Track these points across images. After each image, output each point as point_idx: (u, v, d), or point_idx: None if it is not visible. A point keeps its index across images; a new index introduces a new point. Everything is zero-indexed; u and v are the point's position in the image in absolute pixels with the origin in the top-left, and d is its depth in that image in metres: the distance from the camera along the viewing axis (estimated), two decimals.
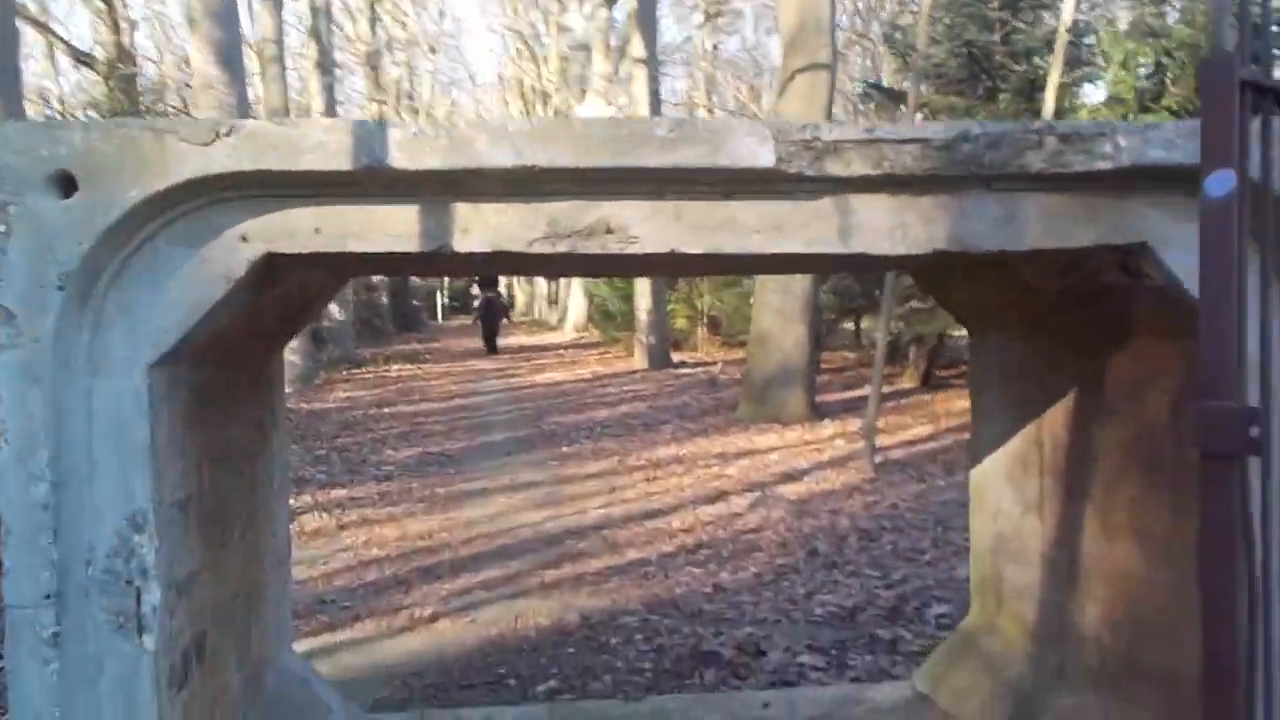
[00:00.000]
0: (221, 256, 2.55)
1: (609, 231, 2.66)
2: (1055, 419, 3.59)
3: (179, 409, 2.76)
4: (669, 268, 3.54)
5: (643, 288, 22.67)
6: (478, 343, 30.22)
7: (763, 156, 2.57)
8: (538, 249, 2.61)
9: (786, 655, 5.23)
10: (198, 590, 2.91)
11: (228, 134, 2.45)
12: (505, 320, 35.10)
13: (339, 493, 9.89)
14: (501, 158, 2.52)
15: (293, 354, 18.79)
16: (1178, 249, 2.71)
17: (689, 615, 5.98)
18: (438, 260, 2.75)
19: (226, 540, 3.24)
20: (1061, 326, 3.52)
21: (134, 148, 2.45)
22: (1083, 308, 3.32)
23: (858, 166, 2.60)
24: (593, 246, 2.62)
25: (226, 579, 3.22)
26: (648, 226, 2.67)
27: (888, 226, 2.67)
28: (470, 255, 2.68)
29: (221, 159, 2.45)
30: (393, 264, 3.23)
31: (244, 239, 2.56)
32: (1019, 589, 3.81)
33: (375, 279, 31.43)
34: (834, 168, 2.59)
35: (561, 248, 2.61)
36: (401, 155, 2.50)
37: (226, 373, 3.26)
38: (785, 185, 2.64)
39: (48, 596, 2.49)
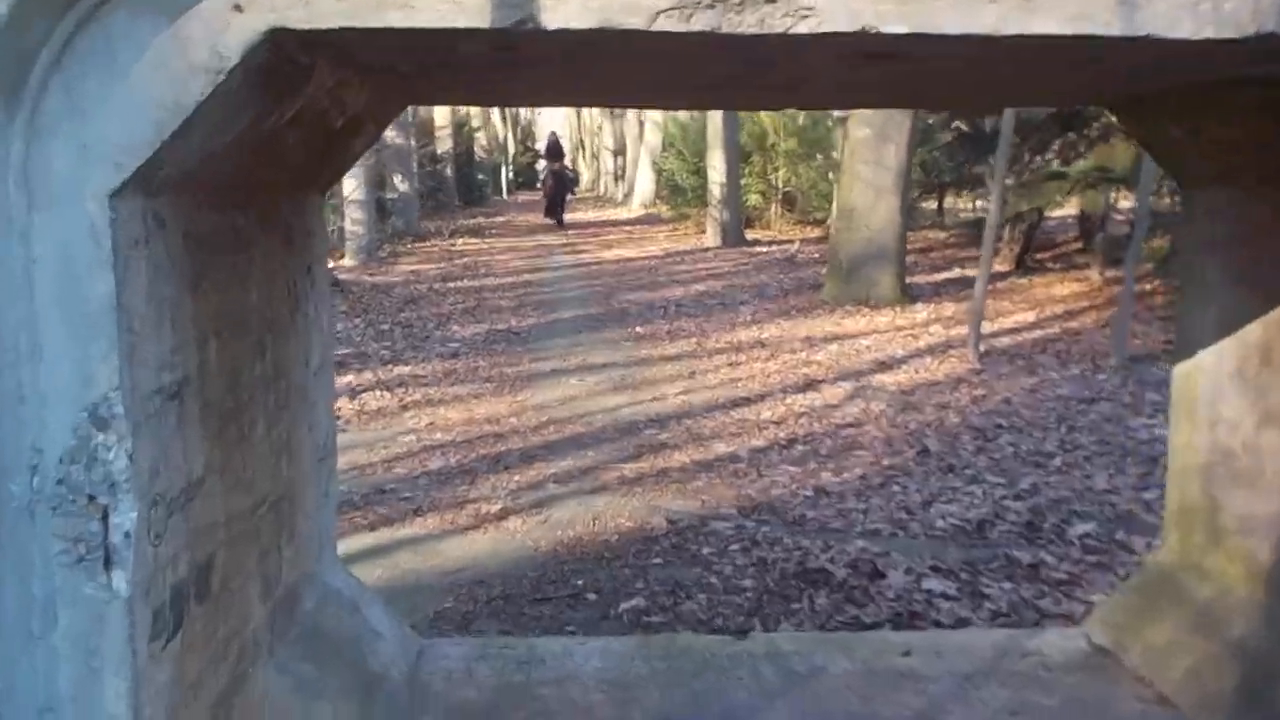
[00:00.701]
0: (205, 34, 1.76)
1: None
2: None
3: (166, 260, 2.00)
4: (848, 80, 2.66)
5: (716, 160, 21.59)
6: (543, 218, 29.40)
7: None
8: (664, 25, 1.76)
9: (909, 578, 4.48)
10: (201, 503, 2.19)
11: None
12: (570, 195, 34.17)
13: (402, 370, 9.24)
14: None
15: (356, 225, 18.11)
16: None
17: (789, 523, 5.24)
18: (516, 42, 1.93)
19: (246, 435, 2.51)
20: None
21: None
22: None
23: None
24: (747, 22, 1.77)
25: (246, 485, 2.50)
26: None
27: None
28: (564, 35, 1.83)
29: None
30: (452, 62, 2.42)
31: (237, 8, 1.75)
32: (1249, 522, 2.98)
33: (440, 150, 30.59)
34: None
35: (699, 24, 1.77)
36: None
37: (241, 218, 2.49)
38: None
39: None
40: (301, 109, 2.38)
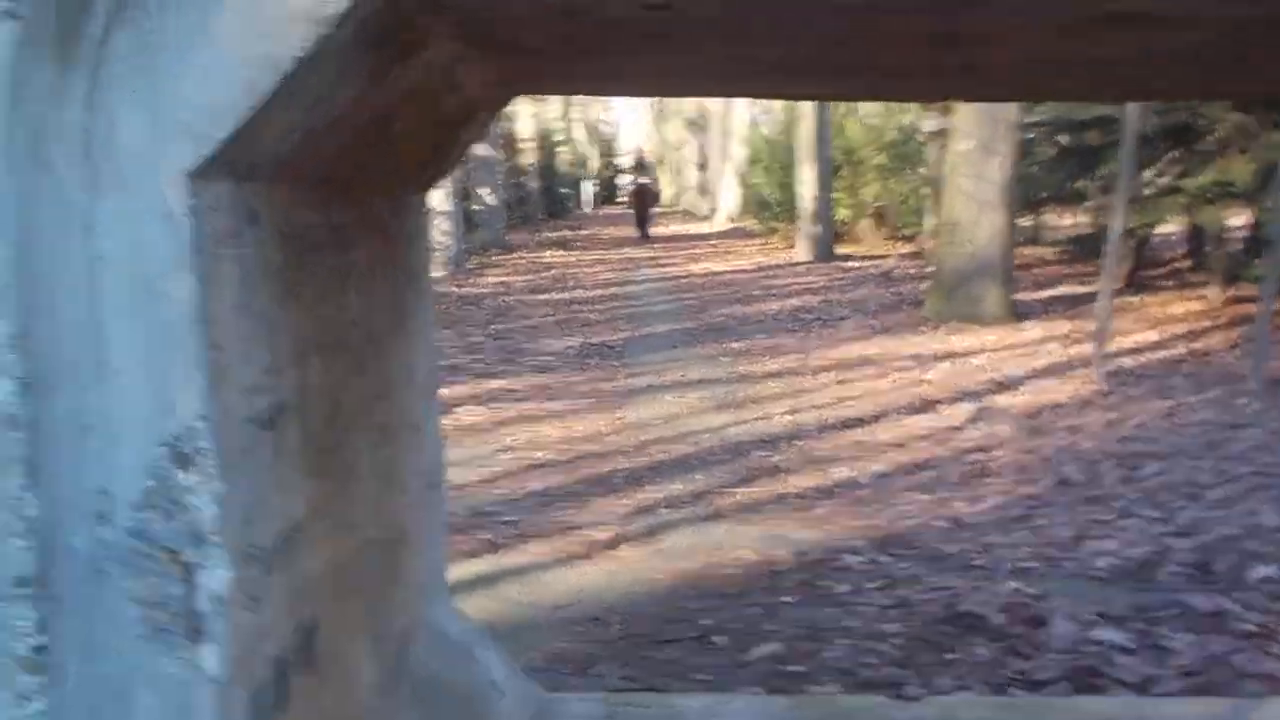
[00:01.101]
0: None
1: None
2: None
3: (259, 261, 1.62)
4: (1050, 58, 2.23)
5: (806, 174, 21.14)
6: (627, 231, 29.20)
7: None
8: None
9: (1075, 626, 3.97)
10: (303, 553, 1.80)
11: None
12: (655, 208, 33.91)
13: (496, 384, 8.90)
14: None
15: (444, 235, 17.91)
16: None
17: (929, 558, 4.76)
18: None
19: (350, 467, 2.12)
20: None
21: None
22: None
23: None
24: None
25: (351, 525, 2.11)
26: None
27: None
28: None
29: None
30: (589, 34, 2.01)
31: None
32: None
33: (526, 162, 30.48)
34: None
35: None
36: None
37: (342, 216, 2.10)
38: None
39: (21, 582, 1.39)
40: (413, 88, 2.00)
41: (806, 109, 21.23)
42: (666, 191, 54.74)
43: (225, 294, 1.50)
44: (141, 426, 1.43)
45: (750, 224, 30.13)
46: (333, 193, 2.00)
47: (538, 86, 3.08)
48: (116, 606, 1.43)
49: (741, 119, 32.82)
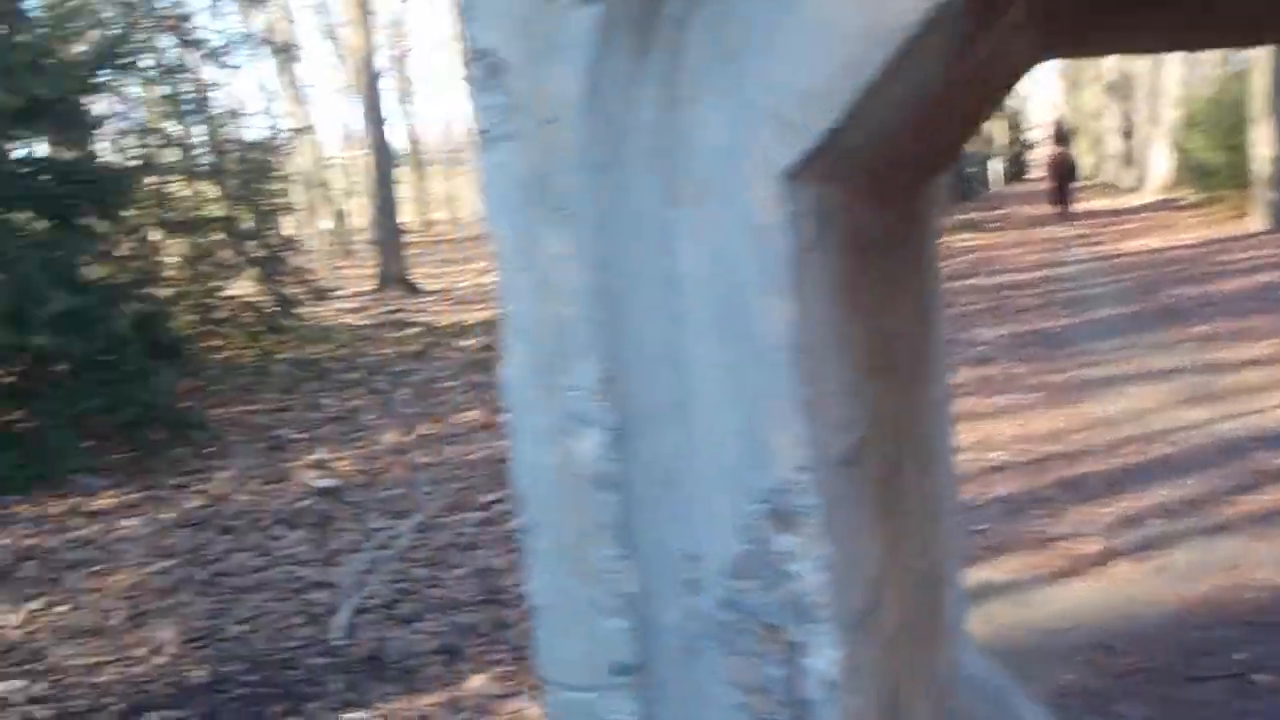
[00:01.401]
0: None
1: None
2: None
3: (832, 272, 1.37)
4: None
5: (1262, 134, 18.94)
6: (1043, 209, 27.43)
7: None
8: None
9: None
10: (885, 615, 1.54)
11: None
12: (1073, 182, 31.77)
13: None
14: None
15: None
16: None
17: None
18: None
19: (905, 502, 1.85)
20: None
21: None
22: None
23: None
24: None
25: (910, 568, 1.84)
26: None
27: None
28: None
29: None
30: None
31: None
32: None
33: None
34: None
35: None
36: None
37: (889, 211, 1.84)
38: None
39: (620, 669, 1.21)
40: (979, 58, 1.70)
41: (1257, 60, 19.06)
42: (1084, 163, 51.43)
43: (813, 314, 1.26)
44: (732, 479, 1.21)
45: (1186, 194, 27.53)
46: (885, 186, 1.74)
47: (1078, 48, 2.68)
48: (711, 691, 1.23)
49: (1173, 78, 30.16)
